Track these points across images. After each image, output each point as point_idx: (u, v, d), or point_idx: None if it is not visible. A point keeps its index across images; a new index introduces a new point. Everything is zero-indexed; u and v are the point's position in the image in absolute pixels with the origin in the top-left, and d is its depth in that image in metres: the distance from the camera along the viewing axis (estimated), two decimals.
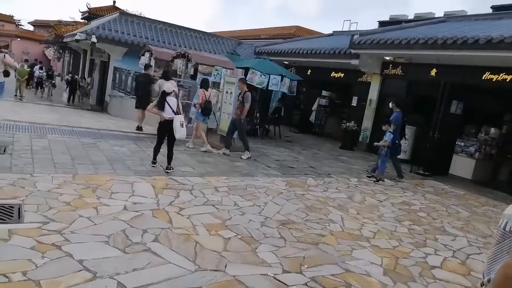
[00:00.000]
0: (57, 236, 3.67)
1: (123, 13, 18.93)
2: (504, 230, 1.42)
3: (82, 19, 35.77)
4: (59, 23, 36.50)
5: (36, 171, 5.52)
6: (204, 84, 9.22)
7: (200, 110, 9.00)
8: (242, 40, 23.37)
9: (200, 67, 11.06)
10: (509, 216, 1.44)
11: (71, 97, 20.65)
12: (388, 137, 8.42)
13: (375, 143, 8.90)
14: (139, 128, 10.77)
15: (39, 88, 22.46)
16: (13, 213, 4.04)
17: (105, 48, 17.96)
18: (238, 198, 5.73)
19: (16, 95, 18.64)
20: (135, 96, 12.14)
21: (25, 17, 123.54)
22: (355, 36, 12.01)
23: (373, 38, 11.46)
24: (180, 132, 6.82)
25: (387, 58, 11.97)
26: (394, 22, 17.16)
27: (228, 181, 6.62)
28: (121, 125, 11.90)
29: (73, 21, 36.11)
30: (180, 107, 7.07)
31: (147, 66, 12.01)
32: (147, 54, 14.97)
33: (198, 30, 20.94)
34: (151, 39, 18.12)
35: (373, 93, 12.75)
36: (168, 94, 6.93)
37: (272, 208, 5.50)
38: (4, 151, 6.30)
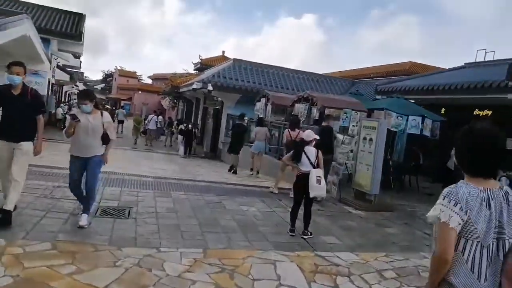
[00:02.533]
0: None
1: (237, 60, 18.97)
2: None
3: (194, 70, 38.13)
4: (174, 75, 39.40)
5: (163, 244, 4.59)
6: (292, 124, 9.11)
7: (285, 151, 8.75)
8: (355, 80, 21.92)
9: (327, 111, 9.82)
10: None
11: (188, 150, 17.95)
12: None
13: None
14: (231, 168, 11.87)
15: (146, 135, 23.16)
16: None
17: (218, 95, 18.01)
18: None
19: (135, 143, 19.58)
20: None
21: (145, 72, 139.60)
22: None
23: None
24: (316, 189, 5.52)
25: None
26: None
27: (389, 260, 4.99)
28: (240, 174, 11.07)
29: (187, 73, 38.66)
30: (321, 158, 5.79)
31: (242, 116, 13.06)
32: (263, 100, 14.35)
33: (310, 72, 20.15)
34: (264, 84, 17.72)
35: None
36: (308, 143, 5.74)
37: None
38: (129, 214, 5.59)
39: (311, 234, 5.55)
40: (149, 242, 4.62)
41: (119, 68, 68.31)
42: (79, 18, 21.14)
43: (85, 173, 4.95)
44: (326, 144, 7.69)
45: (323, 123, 9.19)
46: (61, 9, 21.26)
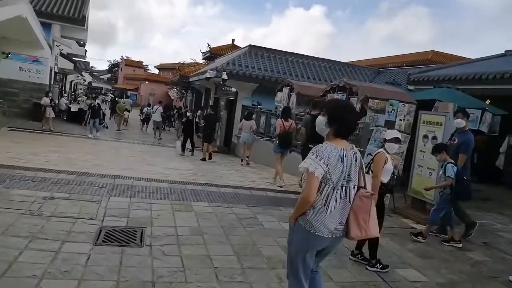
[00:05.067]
0: None
1: (253, 46, 17.42)
2: None
3: (203, 59, 36.55)
4: (182, 64, 37.91)
5: None
6: (284, 114, 9.04)
7: (277, 142, 8.70)
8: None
9: (370, 103, 8.33)
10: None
11: (190, 145, 13.43)
12: (451, 171, 5.22)
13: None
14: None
15: (144, 123, 22.18)
16: None
17: (233, 85, 16.51)
18: None
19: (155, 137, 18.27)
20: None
21: (152, 62, 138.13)
22: None
23: None
24: None
25: None
26: None
27: None
28: (264, 176, 9.64)
29: (195, 62, 37.14)
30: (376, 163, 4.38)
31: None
32: (285, 90, 12.86)
33: (333, 60, 18.54)
34: (283, 72, 16.18)
35: None
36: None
37: None
38: (142, 239, 4.19)
39: (383, 268, 4.13)
40: None
41: (125, 57, 66.88)
42: (82, 1, 19.65)
43: None
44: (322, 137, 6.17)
45: (312, 112, 8.51)
46: None
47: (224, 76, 15.17)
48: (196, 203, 5.81)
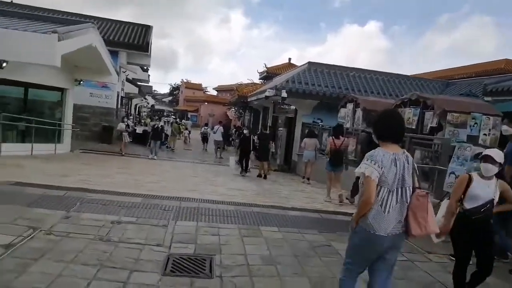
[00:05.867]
0: None
1: (312, 63, 17.07)
2: None
3: (260, 79, 36.86)
4: (240, 85, 38.48)
5: None
6: (335, 131, 9.10)
7: (328, 159, 8.78)
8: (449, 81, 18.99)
9: (449, 117, 7.57)
10: None
11: (244, 165, 12.70)
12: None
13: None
14: None
15: (204, 143, 22.73)
16: None
17: (292, 102, 16.19)
18: None
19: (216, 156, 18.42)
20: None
21: (210, 84, 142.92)
22: None
23: None
24: None
25: None
26: None
27: None
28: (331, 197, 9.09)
29: (252, 82, 37.53)
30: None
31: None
32: (349, 106, 12.30)
33: (397, 74, 17.64)
34: (345, 88, 15.60)
35: None
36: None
37: None
38: (211, 269, 3.89)
39: None
40: None
41: (185, 81, 69.54)
42: (146, 29, 20.61)
43: None
44: None
45: (368, 129, 8.41)
46: (128, 22, 20.86)
47: (284, 94, 14.92)
48: (265, 227, 5.45)
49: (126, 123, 16.41)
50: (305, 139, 12.39)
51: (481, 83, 15.07)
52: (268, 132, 13.90)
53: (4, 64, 9.45)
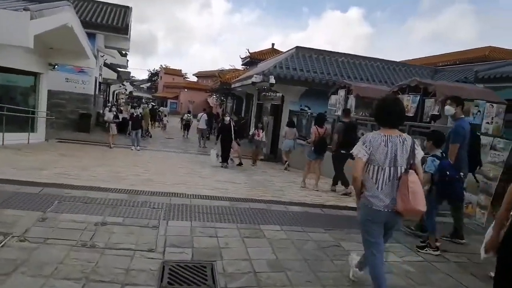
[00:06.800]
0: None
1: (300, 48, 16.54)
2: None
3: (243, 65, 36.06)
4: (222, 71, 37.64)
5: None
6: (318, 120, 9.02)
7: (312, 148, 8.69)
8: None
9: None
10: None
11: (225, 157, 11.60)
12: (430, 165, 4.57)
13: None
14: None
15: (185, 130, 22.52)
16: None
17: (279, 89, 15.67)
18: None
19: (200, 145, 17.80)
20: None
21: (190, 70, 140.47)
22: None
23: None
24: None
25: None
26: None
27: None
28: (325, 189, 8.70)
29: (234, 68, 36.76)
30: None
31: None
32: (340, 92, 11.89)
33: (387, 60, 17.33)
34: (334, 74, 15.20)
35: None
36: None
37: None
38: (214, 279, 3.40)
39: None
40: None
41: (164, 66, 67.92)
42: (125, 10, 19.58)
43: None
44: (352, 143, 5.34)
45: (344, 119, 8.53)
46: (105, 2, 19.75)
47: (272, 80, 14.39)
48: (266, 226, 4.97)
49: (114, 113, 15.49)
50: (286, 128, 12.65)
51: (469, 70, 14.93)
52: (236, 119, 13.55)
53: None
